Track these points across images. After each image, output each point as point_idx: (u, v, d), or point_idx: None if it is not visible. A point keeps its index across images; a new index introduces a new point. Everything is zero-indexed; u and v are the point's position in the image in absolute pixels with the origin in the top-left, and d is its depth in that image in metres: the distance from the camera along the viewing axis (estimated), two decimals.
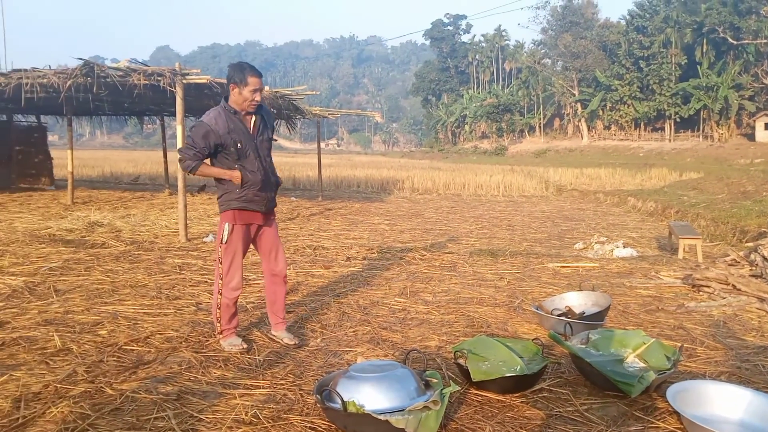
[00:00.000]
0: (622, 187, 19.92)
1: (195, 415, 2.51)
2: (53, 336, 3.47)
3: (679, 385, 2.61)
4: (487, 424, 2.49)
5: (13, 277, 4.98)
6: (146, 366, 3.07)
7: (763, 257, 5.43)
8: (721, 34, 46.97)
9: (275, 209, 3.54)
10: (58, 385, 2.78)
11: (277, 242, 3.49)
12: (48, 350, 3.28)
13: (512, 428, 2.46)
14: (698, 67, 50.64)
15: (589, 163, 37.53)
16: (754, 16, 44.74)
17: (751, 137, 45.85)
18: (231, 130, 3.22)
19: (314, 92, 13.63)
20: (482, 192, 18.87)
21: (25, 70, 9.03)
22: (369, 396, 2.31)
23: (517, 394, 2.79)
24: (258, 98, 3.23)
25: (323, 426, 2.42)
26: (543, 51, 69.37)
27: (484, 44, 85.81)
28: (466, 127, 78.03)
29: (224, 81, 10.03)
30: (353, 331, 3.75)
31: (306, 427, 2.42)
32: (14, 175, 15.86)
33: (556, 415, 2.59)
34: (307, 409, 2.58)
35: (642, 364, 2.94)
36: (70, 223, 8.62)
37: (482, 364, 2.81)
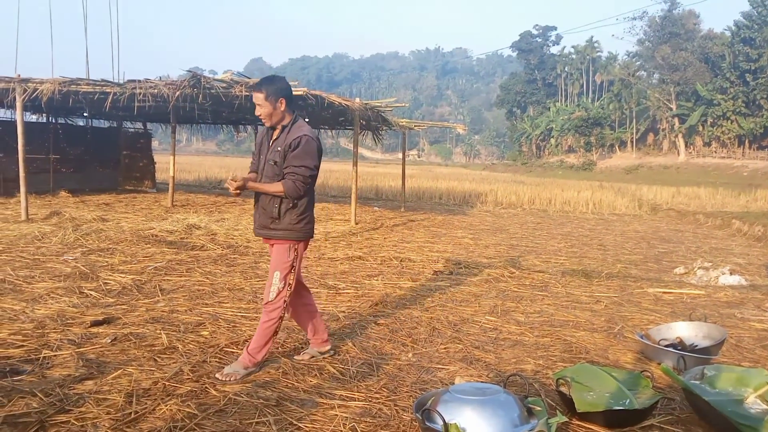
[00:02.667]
0: (724, 209, 18.57)
1: (294, 422, 2.54)
2: (160, 334, 3.66)
3: None
4: None
5: (122, 275, 5.33)
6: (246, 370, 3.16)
7: None
8: None
9: (276, 240, 3.24)
10: (167, 383, 2.92)
11: (271, 268, 3.21)
12: (156, 348, 3.46)
13: None
14: None
15: (687, 181, 35.36)
16: None
17: None
18: (259, 143, 3.34)
19: (404, 104, 13.74)
20: (569, 208, 18.20)
21: (139, 81, 9.72)
22: (471, 420, 2.25)
23: (625, 429, 2.62)
24: (257, 112, 3.17)
25: None
26: (638, 63, 66.31)
27: (574, 56, 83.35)
28: (552, 141, 75.91)
29: (319, 93, 10.38)
30: (444, 348, 3.69)
31: None
32: (121, 178, 17.13)
33: None
34: (403, 426, 2.55)
35: (765, 406, 2.68)
36: (170, 224, 9.14)
37: (587, 394, 2.67)
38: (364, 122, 12.97)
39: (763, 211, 17.14)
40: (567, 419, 2.49)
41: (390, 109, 13.31)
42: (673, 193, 23.77)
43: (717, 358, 3.54)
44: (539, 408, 2.47)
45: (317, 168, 3.25)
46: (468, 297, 5.17)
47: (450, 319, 4.38)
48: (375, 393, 2.91)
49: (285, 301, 3.15)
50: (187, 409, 2.62)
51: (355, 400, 2.82)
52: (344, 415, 2.63)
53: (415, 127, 15.96)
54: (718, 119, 53.67)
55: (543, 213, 16.85)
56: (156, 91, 9.56)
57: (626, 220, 15.73)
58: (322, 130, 17.53)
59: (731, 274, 7.47)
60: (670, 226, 14.47)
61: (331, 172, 31.05)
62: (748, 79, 50.19)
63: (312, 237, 3.38)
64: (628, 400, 2.60)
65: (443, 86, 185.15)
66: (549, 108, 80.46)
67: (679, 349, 3.48)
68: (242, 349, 3.48)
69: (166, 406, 2.65)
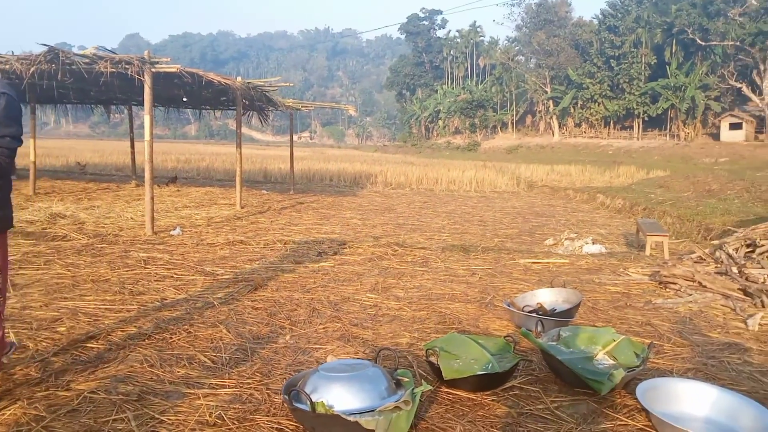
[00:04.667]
0: (591, 184, 20.22)
1: (156, 416, 2.41)
2: (8, 333, 3.32)
3: (648, 383, 2.62)
4: (458, 423, 2.45)
5: None
6: (106, 365, 2.96)
7: (728, 255, 5.53)
8: (690, 35, 48.01)
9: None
10: (12, 385, 2.65)
11: None
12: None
13: (483, 427, 2.43)
14: (667, 67, 51.69)
15: (560, 160, 38.04)
16: (722, 18, 45.79)
17: (716, 137, 47.07)
18: None
19: (289, 84, 13.45)
20: (455, 187, 18.93)
21: None
22: (339, 396, 2.25)
23: (488, 392, 2.77)
24: None
25: (291, 427, 2.36)
26: (517, 48, 69.98)
27: (459, 40, 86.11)
28: (440, 123, 78.30)
29: (196, 71, 9.86)
30: (323, 328, 3.68)
31: (272, 428, 2.35)
32: None
33: (526, 413, 2.58)
34: (275, 409, 2.51)
35: (612, 362, 2.94)
36: (30, 214, 8.33)
37: (454, 362, 2.78)
38: (247, 102, 12.55)
39: (624, 186, 18.88)
40: (432, 388, 2.57)
41: (275, 88, 12.98)
42: (547, 171, 25.47)
43: (574, 320, 3.83)
44: (407, 379, 2.54)
45: (21, 138, 2.44)
46: (351, 276, 5.20)
47: (331, 299, 4.37)
48: (247, 378, 2.84)
49: None
50: (35, 412, 2.40)
51: (226, 388, 2.73)
52: (212, 403, 2.54)
53: (303, 108, 15.70)
54: (587, 102, 58.14)
55: (430, 192, 17.37)
56: (8, 66, 8.56)
57: (505, 197, 16.65)
58: (204, 111, 16.76)
59: (593, 243, 8.15)
60: (544, 202, 15.51)
61: (218, 155, 29.90)
62: (612, 65, 54.72)
63: (11, 227, 2.57)
64: (490, 365, 2.74)
65: (334, 67, 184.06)
66: (437, 90, 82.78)
67: (540, 314, 3.73)
68: (102, 344, 3.25)
69: (9, 411, 2.40)
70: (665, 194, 15.29)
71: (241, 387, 2.74)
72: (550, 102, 62.39)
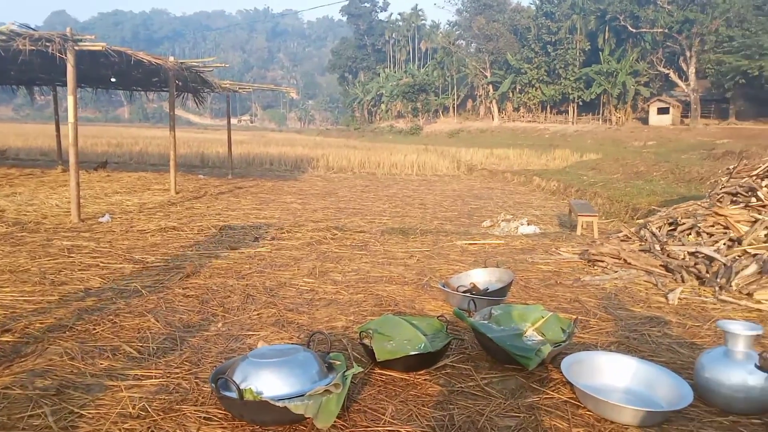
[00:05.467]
0: (528, 167, 20.78)
1: (76, 410, 2.30)
2: None
3: (572, 357, 2.72)
4: (390, 403, 2.47)
5: None
6: (23, 359, 2.80)
7: (652, 233, 5.81)
8: (622, 22, 49.83)
9: None
10: None
11: None
12: None
13: (414, 406, 2.45)
14: (600, 53, 53.55)
15: (499, 143, 38.86)
16: (652, 6, 47.72)
17: (645, 121, 49.28)
18: None
19: (223, 65, 13.02)
20: (396, 171, 19.02)
21: None
22: (268, 382, 2.22)
23: (421, 372, 2.80)
24: None
25: (219, 415, 2.31)
26: (458, 32, 70.65)
27: (401, 23, 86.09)
28: (383, 106, 78.32)
29: (124, 49, 9.40)
30: (257, 314, 3.62)
31: (200, 417, 2.29)
32: None
33: (458, 390, 2.62)
34: (203, 398, 2.45)
35: (540, 338, 3.03)
36: None
37: (387, 343, 2.79)
38: (180, 83, 12.10)
39: (559, 169, 19.50)
40: (363, 370, 2.58)
41: (210, 69, 12.56)
42: (487, 154, 25.97)
43: (506, 299, 3.93)
44: (340, 362, 2.53)
45: None
46: (288, 261, 5.13)
47: (266, 285, 4.30)
48: (175, 368, 2.75)
49: None
50: None
51: (152, 378, 2.63)
52: (136, 395, 2.45)
53: (240, 90, 15.29)
54: (525, 87, 59.55)
55: (372, 176, 17.38)
56: None
57: (446, 180, 16.87)
58: (137, 93, 16.05)
59: (528, 224, 8.39)
60: (483, 185, 15.82)
61: (152, 139, 28.80)
62: (549, 51, 56.17)
63: None
64: (423, 344, 2.77)
65: (274, 49, 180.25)
66: (379, 74, 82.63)
67: (473, 294, 3.80)
68: (19, 337, 3.08)
69: None
70: (597, 176, 15.91)
71: (168, 377, 2.65)
72: (490, 86, 63.50)
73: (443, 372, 2.82)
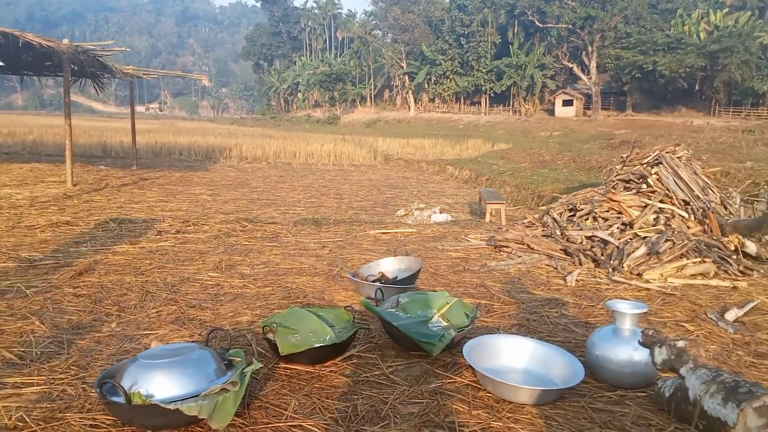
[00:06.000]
0: (442, 157, 21.23)
1: None
2: None
3: (474, 341, 2.78)
4: (293, 397, 2.42)
5: None
6: None
7: (553, 219, 6.09)
8: (530, 17, 51.91)
9: None
10: None
11: None
12: None
13: (318, 399, 2.42)
14: (510, 46, 55.55)
15: (415, 133, 39.45)
16: (557, 2, 50.01)
17: (551, 113, 51.78)
18: None
19: (124, 49, 12.25)
20: (313, 161, 18.82)
21: None
22: (159, 384, 2.09)
23: (327, 364, 2.76)
24: None
25: (108, 422, 2.16)
26: (374, 22, 70.74)
27: (317, 11, 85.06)
28: (299, 95, 77.27)
29: (10, 30, 8.62)
30: (156, 312, 3.44)
31: (85, 425, 2.13)
32: None
33: (363, 380, 2.61)
34: (90, 405, 2.28)
35: (445, 324, 3.09)
36: None
37: (292, 336, 2.73)
38: (76, 68, 11.28)
39: (471, 158, 20.07)
40: (262, 365, 2.51)
41: (109, 53, 11.83)
42: (403, 144, 26.28)
43: (415, 286, 3.97)
44: (240, 359, 2.44)
45: None
46: (193, 255, 4.92)
47: (168, 281, 4.10)
48: (60, 374, 2.55)
49: None
50: None
51: (33, 386, 2.43)
52: (13, 404, 2.24)
53: (145, 76, 14.52)
54: (440, 78, 60.76)
55: (287, 166, 17.10)
56: None
57: (363, 170, 16.90)
58: (31, 78, 14.84)
59: (441, 212, 8.56)
60: (399, 174, 15.99)
61: (49, 127, 26.79)
62: (462, 43, 57.57)
63: None
64: (328, 336, 2.73)
65: (184, 34, 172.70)
66: (295, 62, 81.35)
67: (382, 282, 3.81)
68: None
69: None
70: (506, 165, 16.52)
71: (51, 383, 2.45)
72: (406, 77, 64.23)
73: (350, 362, 2.80)
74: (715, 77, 41.64)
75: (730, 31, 40.46)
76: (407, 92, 65.19)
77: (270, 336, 2.76)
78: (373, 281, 3.89)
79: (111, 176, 11.84)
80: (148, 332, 3.12)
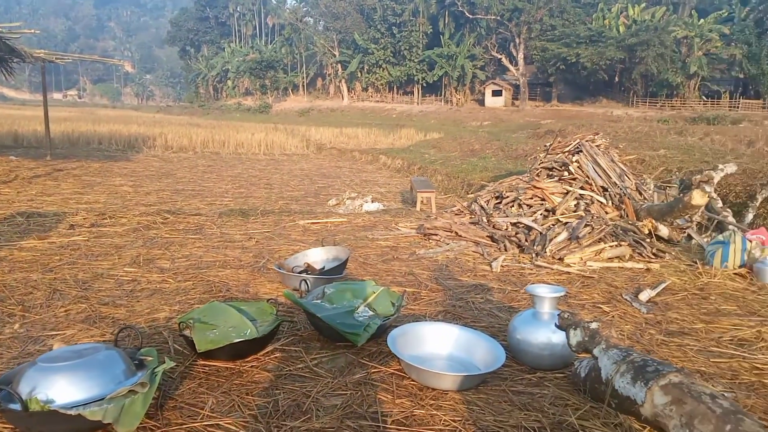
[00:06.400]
0: (376, 146, 21.23)
1: None
2: None
3: (398, 330, 2.77)
4: (210, 395, 2.32)
5: None
6: None
7: (481, 206, 6.20)
8: (460, 8, 52.63)
9: None
10: None
11: None
12: None
13: (238, 396, 2.33)
14: (441, 37, 56.18)
15: (349, 123, 39.26)
16: None
17: (481, 102, 52.91)
18: None
19: (33, 31, 11.43)
20: (243, 150, 18.34)
21: None
22: (60, 389, 1.95)
23: (249, 359, 2.68)
24: None
25: (6, 431, 1.99)
26: (305, 9, 69.67)
27: None
28: (229, 83, 75.15)
29: None
30: (64, 311, 3.22)
31: None
32: None
33: (286, 374, 2.55)
34: None
35: (371, 313, 3.06)
36: None
37: (210, 332, 2.62)
38: None
39: (404, 147, 20.18)
40: (174, 364, 2.39)
41: (17, 35, 11.04)
42: (336, 133, 26.08)
43: (342, 276, 3.93)
44: (151, 358, 2.32)
45: None
46: (108, 250, 4.66)
47: (79, 277, 3.85)
48: None
49: None
50: None
51: None
52: None
53: (58, 60, 13.62)
54: (373, 67, 60.69)
55: (216, 156, 16.59)
56: None
57: (295, 159, 16.64)
58: None
59: (372, 201, 8.55)
60: (332, 163, 15.86)
61: None
62: (394, 32, 57.68)
63: None
64: (249, 330, 2.64)
65: (104, 17, 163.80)
66: (224, 48, 78.94)
67: (309, 273, 3.74)
68: None
69: None
70: (437, 154, 16.72)
71: None
72: (339, 66, 63.74)
73: (273, 357, 2.73)
74: (633, 69, 43.83)
75: (647, 25, 42.67)
76: (340, 81, 64.74)
77: (187, 332, 2.64)
78: (300, 272, 3.81)
79: (22, 167, 11.07)
80: (54, 333, 2.92)
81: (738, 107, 39.81)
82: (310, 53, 68.09)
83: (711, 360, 2.84)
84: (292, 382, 2.48)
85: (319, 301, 3.14)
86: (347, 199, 8.66)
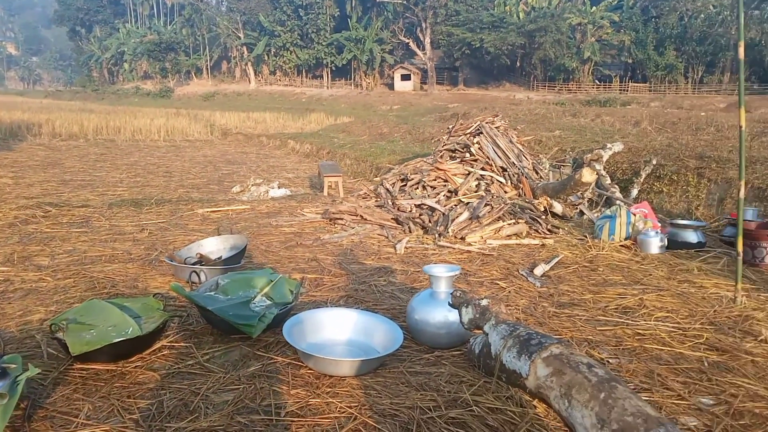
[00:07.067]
0: (284, 131, 20.80)
1: None
2: None
3: (294, 318, 2.69)
4: (87, 402, 2.13)
5: None
6: None
7: (386, 189, 6.20)
8: None
9: None
10: None
11: None
12: None
13: (118, 399, 2.16)
14: (349, 20, 55.75)
15: (257, 107, 38.17)
16: None
17: (391, 87, 53.24)
18: None
19: None
20: (141, 137, 17.35)
21: None
22: None
23: (133, 359, 2.49)
24: None
25: None
26: None
27: None
28: (126, 66, 70.69)
29: None
30: None
31: None
32: None
33: (173, 372, 2.40)
34: None
35: (269, 302, 2.96)
36: None
37: (86, 333, 2.41)
38: None
39: (313, 132, 19.92)
40: (39, 371, 2.18)
41: None
42: (243, 118, 25.29)
43: (240, 266, 3.77)
44: (15, 366, 2.09)
45: None
46: None
47: None
48: None
49: None
50: None
51: None
52: None
53: None
54: (280, 50, 59.26)
55: (110, 143, 15.57)
56: None
57: (198, 145, 15.96)
58: None
59: (279, 187, 8.35)
60: (237, 149, 15.36)
61: None
62: (301, 14, 56.50)
63: None
64: (131, 329, 2.46)
65: None
66: (118, 29, 74.02)
67: (203, 264, 3.56)
68: None
69: None
70: (346, 138, 16.63)
71: None
72: (245, 48, 61.70)
73: (160, 355, 2.56)
74: (533, 55, 45.72)
75: (545, 12, 44.55)
76: (246, 64, 62.69)
77: (60, 335, 2.42)
78: (193, 264, 3.62)
79: None
80: None
81: (627, 90, 42.67)
82: (213, 35, 65.30)
83: (597, 329, 2.99)
84: (180, 380, 2.33)
85: (212, 293, 2.99)
86: (252, 185, 8.40)
